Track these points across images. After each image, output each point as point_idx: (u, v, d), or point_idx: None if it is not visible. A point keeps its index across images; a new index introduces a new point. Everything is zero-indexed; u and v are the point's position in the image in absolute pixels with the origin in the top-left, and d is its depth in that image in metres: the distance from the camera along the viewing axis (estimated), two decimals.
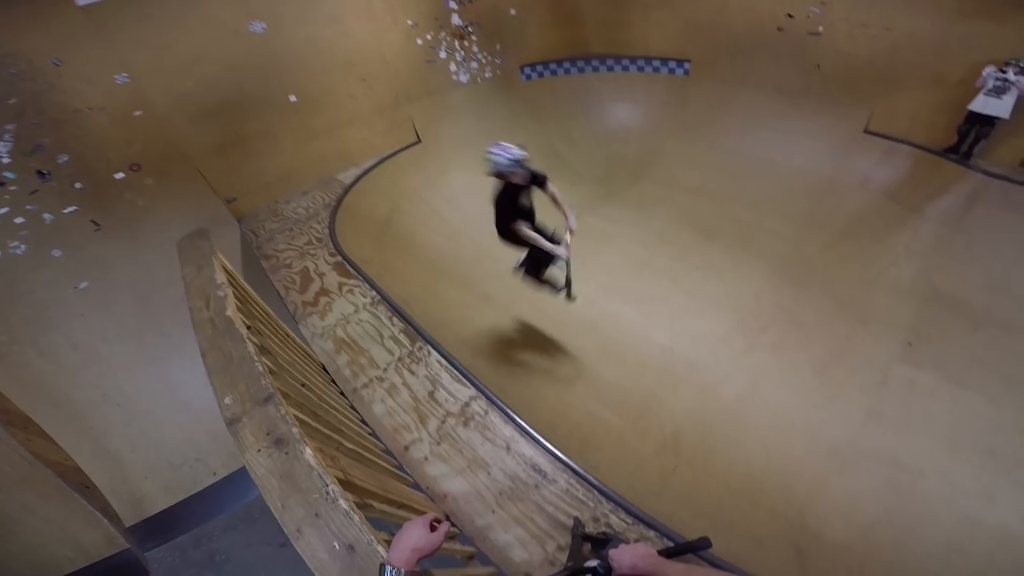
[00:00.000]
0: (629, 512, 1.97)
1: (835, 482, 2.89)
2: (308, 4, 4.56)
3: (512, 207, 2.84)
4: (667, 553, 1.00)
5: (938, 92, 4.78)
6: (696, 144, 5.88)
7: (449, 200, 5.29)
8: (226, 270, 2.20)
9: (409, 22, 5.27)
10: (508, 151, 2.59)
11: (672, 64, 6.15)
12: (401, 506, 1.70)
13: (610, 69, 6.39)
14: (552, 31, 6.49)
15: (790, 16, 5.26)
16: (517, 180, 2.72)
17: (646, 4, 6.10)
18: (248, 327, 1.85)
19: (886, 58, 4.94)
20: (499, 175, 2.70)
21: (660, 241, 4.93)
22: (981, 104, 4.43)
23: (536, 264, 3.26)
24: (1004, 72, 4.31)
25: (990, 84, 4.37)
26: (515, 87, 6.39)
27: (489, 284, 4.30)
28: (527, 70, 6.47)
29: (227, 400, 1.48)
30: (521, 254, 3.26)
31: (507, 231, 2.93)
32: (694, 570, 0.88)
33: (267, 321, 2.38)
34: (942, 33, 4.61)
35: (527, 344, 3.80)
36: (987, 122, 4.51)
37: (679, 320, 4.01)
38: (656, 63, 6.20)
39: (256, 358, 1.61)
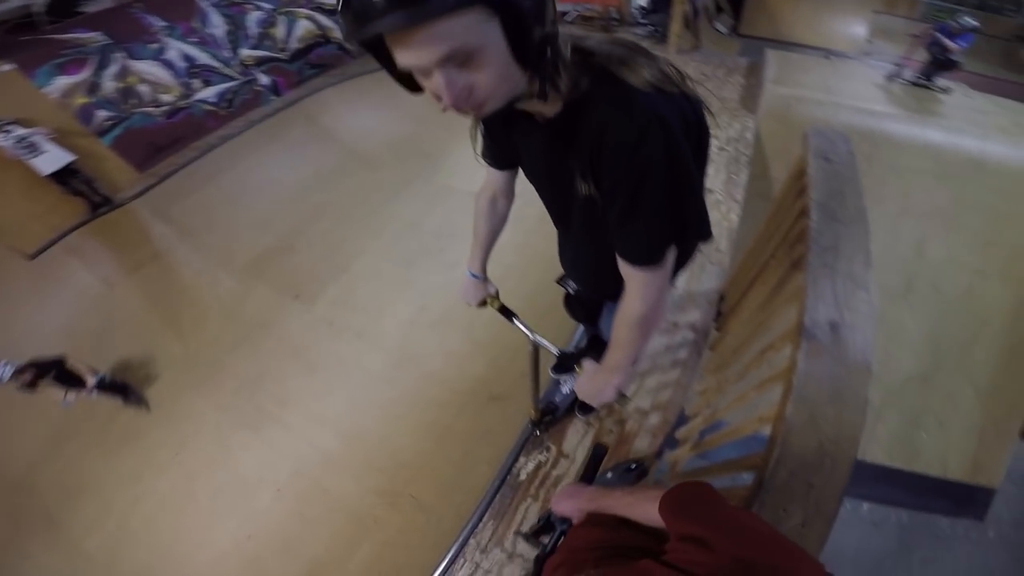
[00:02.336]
0: None
1: None
2: None
3: None
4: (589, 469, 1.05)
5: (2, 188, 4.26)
6: None
7: None
8: None
9: None
10: None
11: None
12: None
13: None
14: None
15: None
16: None
17: None
18: None
19: None
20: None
21: None
22: (41, 166, 4.26)
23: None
24: (8, 134, 4.14)
25: (17, 151, 4.18)
26: None
27: None
28: None
29: None
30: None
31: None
32: (634, 491, 0.83)
33: None
34: None
35: None
36: (65, 176, 4.35)
37: None
38: None
39: None
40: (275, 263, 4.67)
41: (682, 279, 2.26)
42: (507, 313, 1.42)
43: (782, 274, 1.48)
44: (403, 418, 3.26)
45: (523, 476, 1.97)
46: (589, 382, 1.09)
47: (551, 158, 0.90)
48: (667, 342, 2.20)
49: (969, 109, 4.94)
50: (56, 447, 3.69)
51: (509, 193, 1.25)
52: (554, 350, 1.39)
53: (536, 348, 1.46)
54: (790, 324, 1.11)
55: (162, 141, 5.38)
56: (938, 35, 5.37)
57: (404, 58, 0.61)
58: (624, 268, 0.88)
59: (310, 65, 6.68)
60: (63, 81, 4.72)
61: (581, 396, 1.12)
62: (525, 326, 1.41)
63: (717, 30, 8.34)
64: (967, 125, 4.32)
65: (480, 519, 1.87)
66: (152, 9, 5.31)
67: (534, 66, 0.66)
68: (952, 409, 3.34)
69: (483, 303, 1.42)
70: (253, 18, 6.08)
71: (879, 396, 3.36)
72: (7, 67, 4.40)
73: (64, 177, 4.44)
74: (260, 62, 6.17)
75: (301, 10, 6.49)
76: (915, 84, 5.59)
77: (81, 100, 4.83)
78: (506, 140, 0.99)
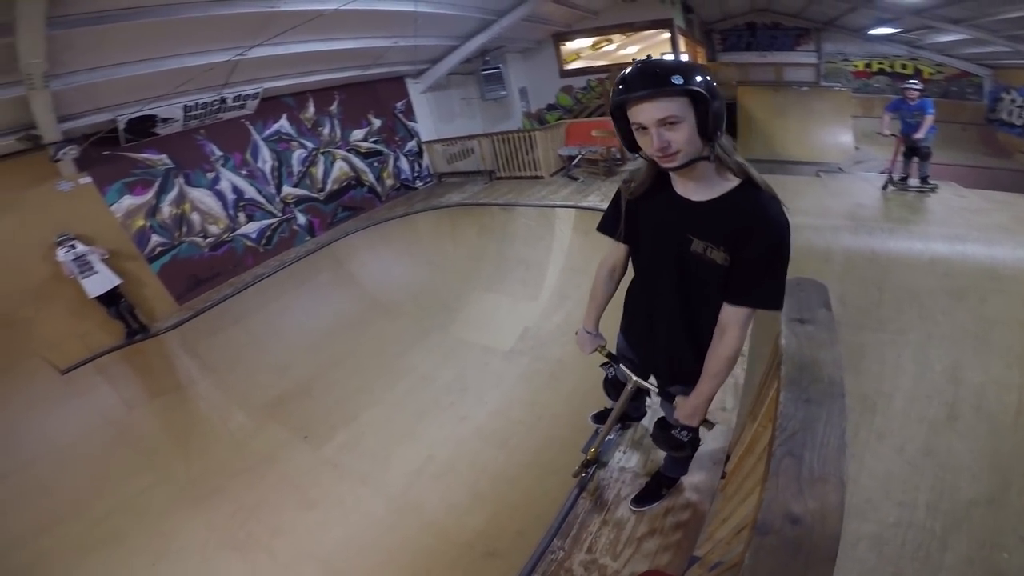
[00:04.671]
0: None
1: None
2: None
3: None
4: None
5: (56, 301, 4.61)
6: None
7: None
8: None
9: None
10: None
11: None
12: None
13: None
14: None
15: None
16: None
17: None
18: None
19: None
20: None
21: None
22: (90, 288, 4.55)
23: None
24: (71, 250, 4.46)
25: (74, 268, 4.49)
26: None
27: None
28: None
29: None
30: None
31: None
32: None
33: None
34: None
35: None
36: (110, 299, 4.68)
37: None
38: None
39: None
40: (289, 405, 4.80)
41: None
42: (614, 359, 1.69)
43: (761, 451, 1.42)
44: (395, 564, 3.17)
45: None
46: (689, 404, 1.38)
47: (678, 227, 1.24)
48: (669, 504, 2.10)
49: (965, 210, 4.95)
50: (35, 538, 3.61)
51: (624, 267, 1.56)
52: (654, 389, 1.58)
53: (635, 390, 1.66)
54: (754, 511, 1.07)
55: (203, 274, 5.75)
56: (894, 113, 5.50)
57: (637, 116, 1.08)
58: (731, 313, 1.24)
59: (343, 207, 7.32)
60: (129, 201, 5.10)
61: (682, 417, 1.40)
62: (629, 369, 1.63)
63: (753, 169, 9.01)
64: (969, 230, 4.26)
65: None
66: (213, 137, 5.82)
67: (709, 140, 1.10)
68: None
69: (594, 351, 1.69)
70: (296, 156, 6.71)
71: (940, 524, 3.20)
72: (86, 179, 4.83)
73: (109, 300, 4.70)
74: (299, 201, 6.75)
75: (339, 151, 7.24)
76: (904, 187, 5.60)
77: (140, 223, 5.22)
78: (637, 216, 1.37)
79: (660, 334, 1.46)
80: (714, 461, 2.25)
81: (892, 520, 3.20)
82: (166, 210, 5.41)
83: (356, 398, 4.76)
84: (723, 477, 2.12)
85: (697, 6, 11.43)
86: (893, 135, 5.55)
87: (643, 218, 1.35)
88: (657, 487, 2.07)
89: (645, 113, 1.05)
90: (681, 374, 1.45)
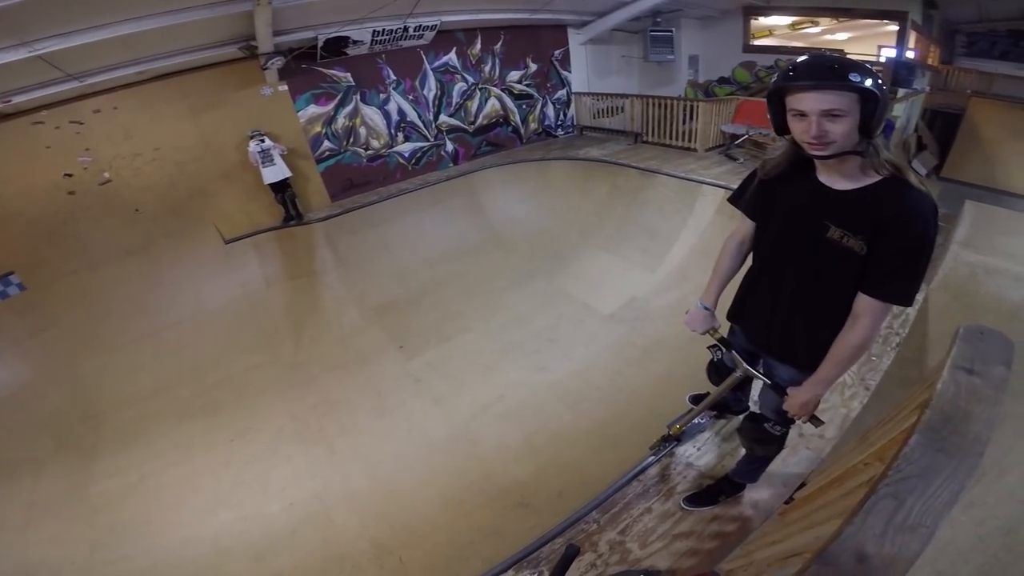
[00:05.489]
0: None
1: None
2: None
3: None
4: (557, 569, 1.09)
5: (237, 183, 5.55)
6: None
7: None
8: None
9: None
10: None
11: None
12: None
13: None
14: None
15: (69, 175, 4.75)
16: None
17: None
18: None
19: (178, 174, 5.26)
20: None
21: None
22: (267, 176, 5.37)
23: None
24: (260, 144, 5.29)
25: (258, 158, 5.29)
26: None
27: None
28: None
29: None
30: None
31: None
32: None
33: None
34: (196, 133, 5.26)
35: None
36: (280, 188, 5.52)
37: None
38: None
39: None
40: (396, 312, 5.20)
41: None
42: (726, 343, 1.66)
43: (853, 488, 1.28)
44: (434, 487, 3.27)
45: None
46: (805, 391, 1.37)
47: (816, 212, 1.24)
48: (719, 512, 1.99)
49: None
50: (148, 399, 4.30)
51: (751, 241, 1.53)
52: (766, 381, 1.53)
53: (743, 378, 1.66)
54: (819, 542, 1.00)
55: (358, 180, 6.48)
56: None
57: (800, 103, 1.10)
58: (868, 304, 1.21)
59: (487, 142, 7.62)
60: (313, 109, 5.92)
61: (794, 407, 1.40)
62: (739, 357, 1.61)
63: (914, 170, 7.33)
64: None
65: None
66: (391, 62, 6.37)
67: (868, 137, 1.11)
68: None
69: (706, 332, 1.64)
70: (458, 88, 7.07)
71: None
72: (284, 87, 5.69)
73: (279, 188, 5.52)
74: (451, 130, 7.18)
75: (495, 89, 7.47)
76: None
77: (318, 129, 6.01)
78: (770, 195, 1.38)
79: (780, 314, 1.43)
80: (785, 484, 2.07)
81: None
82: (340, 121, 6.13)
83: (454, 321, 4.99)
84: (788, 502, 1.91)
85: (945, 3, 9.12)
86: None
87: (779, 200, 1.36)
88: (717, 491, 2.00)
89: (809, 102, 1.08)
90: (793, 354, 1.44)
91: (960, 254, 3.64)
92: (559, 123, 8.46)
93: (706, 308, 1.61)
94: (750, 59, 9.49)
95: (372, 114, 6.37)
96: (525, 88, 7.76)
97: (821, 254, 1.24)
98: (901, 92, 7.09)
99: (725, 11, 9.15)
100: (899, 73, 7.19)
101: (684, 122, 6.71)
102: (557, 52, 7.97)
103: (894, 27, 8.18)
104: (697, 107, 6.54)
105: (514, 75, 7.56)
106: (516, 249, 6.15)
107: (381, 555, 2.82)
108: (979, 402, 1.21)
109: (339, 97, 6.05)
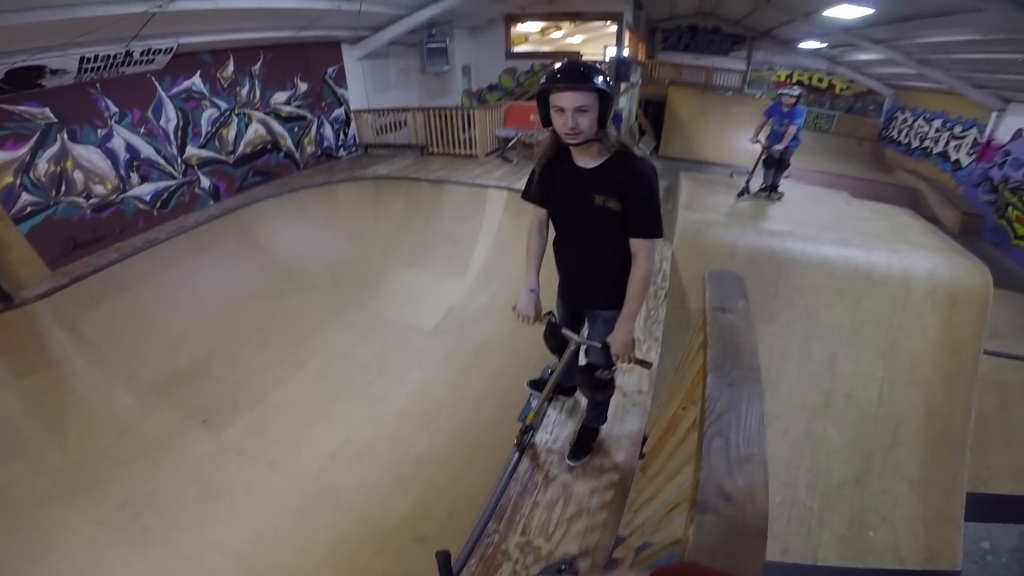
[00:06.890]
0: None
1: None
2: None
3: None
4: None
5: None
6: None
7: None
8: None
9: None
10: None
11: None
12: None
13: None
14: None
15: None
16: None
17: None
18: None
19: None
20: None
21: None
22: None
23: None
24: None
25: None
26: None
27: None
28: None
29: None
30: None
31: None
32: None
33: None
34: None
35: None
36: None
37: None
38: None
39: None
40: (184, 385, 4.32)
41: (607, 424, 2.38)
42: (556, 326, 1.94)
43: (684, 432, 1.50)
44: (315, 551, 2.95)
45: None
46: (619, 332, 1.71)
47: (582, 188, 1.62)
48: (593, 485, 2.18)
49: (853, 218, 5.41)
50: None
51: (547, 223, 1.85)
52: (598, 344, 1.82)
53: (577, 350, 1.95)
54: (688, 489, 1.13)
55: (83, 237, 5.04)
56: (768, 119, 5.47)
57: (560, 101, 1.41)
58: (637, 244, 1.62)
59: (254, 172, 6.71)
60: None
61: (615, 347, 1.72)
62: (570, 330, 1.93)
63: (637, 146, 9.45)
64: (853, 236, 4.67)
65: None
66: (109, 92, 5.12)
67: (602, 126, 1.48)
68: (891, 504, 3.53)
69: (537, 319, 1.89)
70: (207, 115, 6.07)
71: (818, 503, 3.55)
72: None
73: None
74: (204, 163, 6.10)
75: (256, 113, 6.63)
76: (764, 197, 5.78)
77: (8, 180, 4.53)
78: (549, 184, 1.72)
79: (581, 268, 1.81)
80: (632, 442, 2.33)
81: (778, 499, 3.50)
82: (43, 167, 4.71)
83: (262, 377, 4.41)
84: (641, 457, 2.21)
85: (647, 2, 11.63)
86: (758, 142, 5.54)
87: (556, 185, 1.71)
88: (585, 440, 2.28)
89: (567, 99, 1.40)
90: (601, 297, 1.78)
91: (685, 215, 4.71)
92: (340, 143, 8.03)
93: (532, 291, 1.86)
94: (512, 65, 10.60)
95: (88, 154, 5.06)
96: (295, 110, 7.12)
97: (594, 217, 1.61)
98: (624, 86, 8.67)
99: (491, 19, 10.01)
100: (620, 69, 8.58)
101: (464, 130, 7.10)
102: (330, 69, 7.53)
103: (614, 27, 9.81)
104: (474, 115, 7.00)
105: (280, 96, 6.87)
106: (315, 284, 5.65)
107: None
108: (739, 333, 1.48)
109: (35, 138, 4.63)
